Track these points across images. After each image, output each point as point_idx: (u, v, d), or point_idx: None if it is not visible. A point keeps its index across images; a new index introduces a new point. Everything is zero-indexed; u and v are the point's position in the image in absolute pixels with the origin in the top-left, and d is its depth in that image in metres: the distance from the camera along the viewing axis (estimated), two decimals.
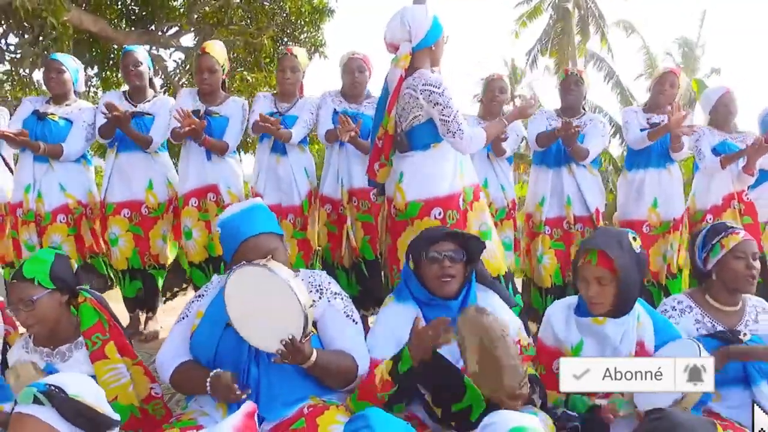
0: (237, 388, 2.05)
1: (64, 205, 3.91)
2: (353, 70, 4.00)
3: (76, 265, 2.51)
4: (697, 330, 2.51)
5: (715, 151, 4.05)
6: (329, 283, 2.40)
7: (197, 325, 2.27)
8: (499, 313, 2.39)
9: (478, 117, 4.28)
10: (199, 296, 2.41)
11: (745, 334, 2.45)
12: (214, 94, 3.96)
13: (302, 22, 10.77)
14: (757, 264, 2.52)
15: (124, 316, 4.24)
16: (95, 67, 10.19)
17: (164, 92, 9.01)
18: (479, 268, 2.53)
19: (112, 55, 9.97)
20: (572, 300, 2.47)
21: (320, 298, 2.32)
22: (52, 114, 3.90)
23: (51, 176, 3.89)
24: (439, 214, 2.91)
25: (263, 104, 4.04)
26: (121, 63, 4.13)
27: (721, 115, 4.16)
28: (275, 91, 4.22)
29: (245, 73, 10.28)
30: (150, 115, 3.99)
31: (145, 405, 2.40)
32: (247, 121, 3.99)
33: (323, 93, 4.13)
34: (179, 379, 2.23)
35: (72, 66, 4.03)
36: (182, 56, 10.28)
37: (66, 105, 3.99)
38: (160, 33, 9.84)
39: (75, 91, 4.08)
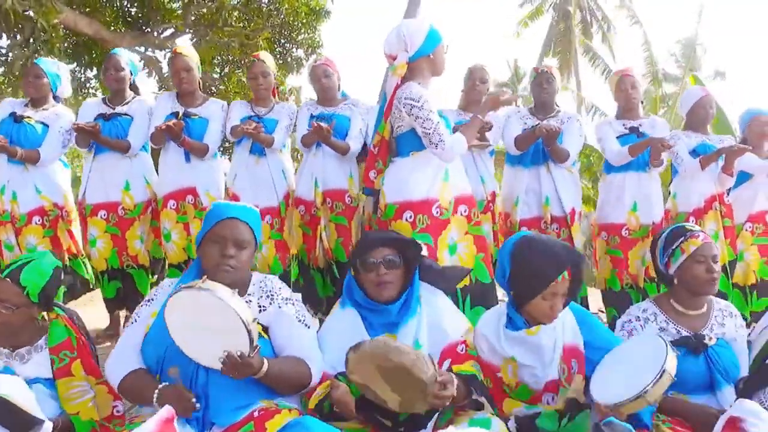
0: (191, 398, 2.03)
1: (39, 207, 3.92)
2: (319, 76, 4.06)
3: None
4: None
5: (695, 152, 4.02)
6: (280, 288, 2.37)
7: (148, 329, 2.24)
8: (446, 314, 2.44)
9: (459, 109, 4.27)
10: (149, 300, 2.38)
11: (710, 338, 2.45)
12: (192, 95, 3.98)
13: (299, 24, 10.78)
14: (718, 267, 2.51)
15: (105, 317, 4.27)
16: (94, 69, 10.22)
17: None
18: (426, 263, 2.54)
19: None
20: (500, 312, 2.45)
21: (270, 304, 2.30)
22: (28, 117, 3.92)
23: (26, 177, 3.90)
24: (410, 217, 2.96)
25: (240, 110, 4.08)
26: (104, 65, 4.15)
27: (699, 117, 4.13)
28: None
29: (240, 74, 10.28)
30: (128, 115, 3.99)
31: (106, 423, 2.35)
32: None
33: (303, 103, 4.18)
34: (127, 388, 2.19)
35: (52, 71, 4.04)
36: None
37: (43, 109, 3.99)
38: (155, 35, 9.84)
39: (55, 96, 4.10)
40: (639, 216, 3.95)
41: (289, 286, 3.85)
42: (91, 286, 4.22)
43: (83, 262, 4.14)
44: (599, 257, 4.12)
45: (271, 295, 2.33)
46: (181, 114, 3.88)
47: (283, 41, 11.16)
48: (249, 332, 1.95)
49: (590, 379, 2.19)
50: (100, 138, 3.82)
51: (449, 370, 2.27)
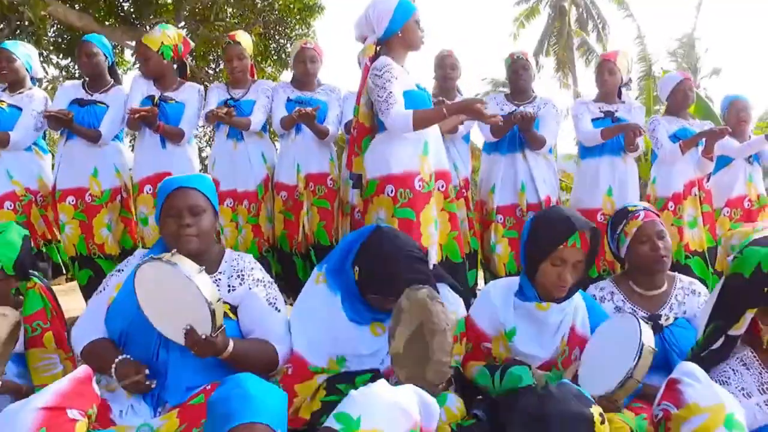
0: (143, 378, 2.01)
1: (11, 192, 3.87)
2: (305, 59, 4.07)
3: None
4: None
5: (676, 137, 4.03)
6: (252, 268, 2.32)
7: (113, 300, 2.23)
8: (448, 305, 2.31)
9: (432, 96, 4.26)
10: (119, 270, 2.35)
11: (667, 318, 2.42)
12: (166, 80, 3.95)
13: (292, 20, 10.80)
14: (663, 242, 2.48)
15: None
16: None
17: None
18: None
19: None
20: (512, 282, 2.40)
21: (241, 284, 2.26)
22: (2, 102, 3.90)
23: None
24: (391, 191, 2.93)
25: (217, 94, 4.08)
26: (77, 51, 4.12)
27: (679, 101, 4.14)
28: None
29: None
30: (103, 104, 3.96)
31: None
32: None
33: (275, 85, 4.20)
34: (89, 356, 2.18)
35: (23, 53, 4.03)
36: None
37: (19, 93, 3.98)
38: (147, 29, 9.85)
39: (32, 78, 4.08)
40: (614, 201, 3.94)
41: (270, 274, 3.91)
42: (67, 273, 4.18)
43: (57, 248, 4.11)
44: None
45: (242, 275, 2.28)
46: (157, 98, 3.86)
47: (277, 37, 11.18)
48: (212, 312, 1.90)
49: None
50: (72, 126, 3.80)
51: None
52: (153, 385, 2.03)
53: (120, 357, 2.07)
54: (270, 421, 1.51)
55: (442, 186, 3.10)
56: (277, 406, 1.57)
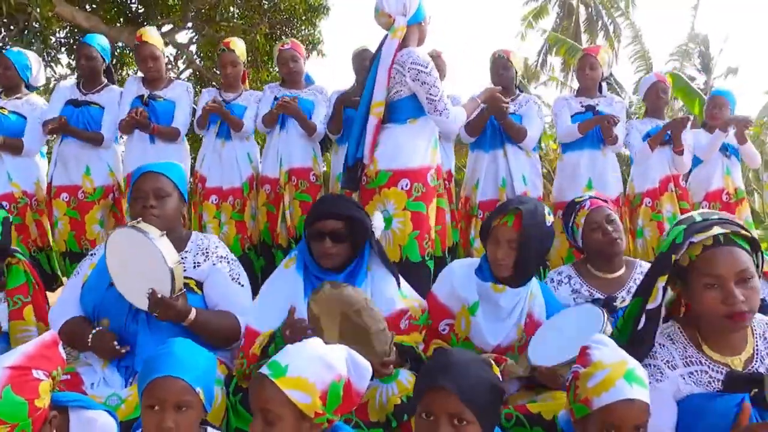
0: (115, 345, 2.17)
1: (8, 194, 4.01)
2: (287, 60, 4.18)
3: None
4: (575, 300, 2.58)
5: (650, 135, 4.11)
6: (216, 247, 2.47)
7: (87, 277, 2.38)
8: (392, 288, 2.45)
9: None
10: (92, 254, 2.51)
11: (623, 300, 2.50)
12: (158, 80, 4.10)
13: (298, 21, 10.90)
14: (613, 226, 2.57)
15: None
16: None
17: None
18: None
19: (116, 53, 10.18)
20: (475, 261, 2.50)
21: (205, 260, 2.41)
22: (2, 108, 4.04)
23: (0, 166, 4.01)
24: (406, 185, 2.97)
25: (207, 98, 4.19)
26: (76, 52, 4.28)
27: (653, 102, 4.24)
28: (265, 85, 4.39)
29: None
30: (97, 104, 4.10)
31: None
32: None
33: (266, 86, 4.31)
34: (66, 335, 2.31)
35: (20, 61, 4.15)
36: (173, 52, 10.49)
37: (16, 98, 4.12)
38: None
39: (28, 86, 4.23)
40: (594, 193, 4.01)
41: (254, 272, 4.00)
42: (56, 282, 4.24)
43: (48, 255, 4.21)
44: (555, 236, 4.17)
45: (207, 252, 2.43)
46: (146, 97, 4.00)
47: (283, 37, 11.29)
48: (171, 272, 2.06)
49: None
50: (76, 132, 3.96)
51: None
52: (124, 351, 2.19)
53: (94, 330, 2.22)
54: (188, 377, 1.62)
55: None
56: (200, 365, 1.68)
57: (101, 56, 4.19)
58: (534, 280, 2.44)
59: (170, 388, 1.60)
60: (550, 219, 2.37)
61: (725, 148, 4.31)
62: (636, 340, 1.81)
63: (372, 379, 1.72)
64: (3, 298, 2.60)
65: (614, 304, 2.49)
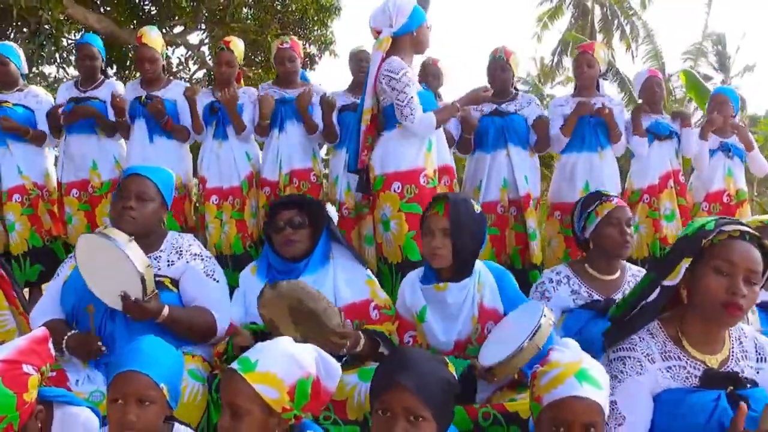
0: (96, 342, 2.24)
1: (20, 186, 4.12)
2: (284, 60, 4.18)
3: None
4: (574, 300, 2.57)
5: (648, 131, 4.09)
6: (190, 245, 2.54)
7: (66, 278, 2.44)
8: (350, 275, 2.55)
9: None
10: (71, 257, 2.55)
11: None
12: (155, 81, 4.16)
13: (310, 21, 10.96)
14: (631, 231, 2.57)
15: None
16: (114, 67, 10.55)
17: None
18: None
19: (130, 55, 10.29)
20: (420, 270, 2.54)
21: (179, 258, 2.47)
22: (6, 102, 4.13)
23: (9, 160, 4.12)
24: (398, 188, 3.12)
25: (201, 99, 4.20)
26: (77, 52, 4.36)
27: (647, 98, 4.19)
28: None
29: (246, 69, 10.50)
30: (97, 98, 4.17)
31: None
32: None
33: (260, 86, 4.34)
34: None
35: (14, 54, 4.25)
36: (184, 52, 10.59)
37: (18, 90, 4.21)
38: (164, 31, 10.12)
39: (22, 75, 4.32)
40: None
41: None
42: None
43: (63, 244, 4.30)
44: (551, 237, 4.15)
45: (180, 250, 2.49)
46: (143, 97, 4.06)
47: (295, 38, 11.33)
48: (141, 276, 2.11)
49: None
50: (87, 111, 4.07)
51: (360, 328, 2.39)
52: (103, 349, 2.25)
53: (69, 333, 2.28)
54: (152, 373, 1.66)
55: (447, 181, 3.26)
56: (165, 362, 1.73)
57: (101, 56, 4.30)
58: (481, 268, 2.43)
59: (133, 382, 1.65)
60: (478, 207, 2.41)
61: (728, 149, 4.25)
62: (634, 316, 1.81)
63: (343, 361, 1.82)
64: None
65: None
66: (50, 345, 1.73)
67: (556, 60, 22.01)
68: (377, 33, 3.20)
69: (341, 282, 2.55)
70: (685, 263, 1.74)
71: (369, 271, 2.68)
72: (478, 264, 2.41)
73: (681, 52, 19.52)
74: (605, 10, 20.32)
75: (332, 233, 2.65)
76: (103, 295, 2.24)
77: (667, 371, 1.73)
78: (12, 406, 1.55)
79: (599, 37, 20.34)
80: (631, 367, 1.73)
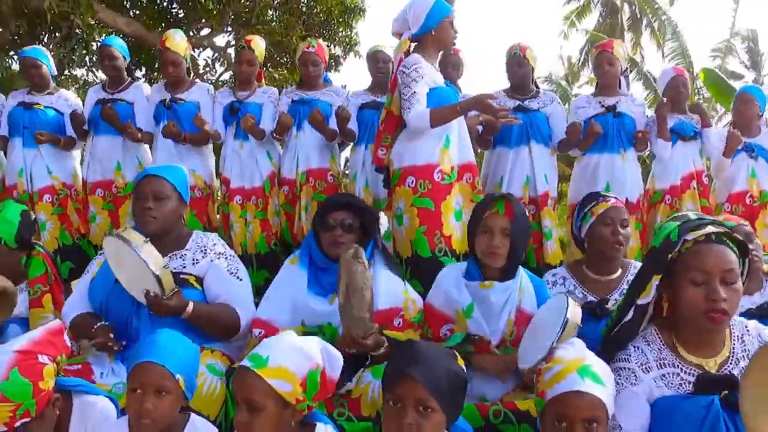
0: (112, 340, 2.31)
1: (50, 186, 4.26)
2: (308, 63, 4.25)
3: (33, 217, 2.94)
4: None
5: (672, 131, 4.05)
6: (214, 244, 2.61)
7: (95, 275, 2.53)
8: (388, 283, 2.54)
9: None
10: (100, 254, 2.64)
11: (616, 302, 2.48)
12: (179, 84, 4.25)
13: (335, 23, 11.04)
14: (625, 231, 2.56)
15: None
16: (143, 69, 10.75)
17: None
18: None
19: (158, 57, 10.42)
20: (461, 265, 2.55)
21: (204, 257, 2.54)
22: (37, 104, 4.26)
23: (39, 161, 4.25)
24: (412, 182, 3.14)
25: (221, 99, 4.30)
26: (99, 54, 4.49)
27: (672, 97, 4.14)
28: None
29: (272, 70, 10.63)
30: (124, 101, 4.29)
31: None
32: None
33: (284, 90, 4.41)
34: (74, 328, 2.46)
35: (45, 56, 4.37)
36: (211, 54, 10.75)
37: (48, 93, 4.34)
38: (191, 33, 10.28)
39: (52, 77, 4.44)
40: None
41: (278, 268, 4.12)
42: None
43: (90, 242, 4.43)
44: (570, 238, 4.13)
45: (205, 249, 2.56)
46: (167, 100, 4.16)
47: (321, 40, 11.41)
48: (156, 277, 2.18)
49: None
50: (114, 120, 4.16)
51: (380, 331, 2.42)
52: (116, 347, 2.32)
53: (98, 324, 2.36)
54: (168, 364, 1.74)
55: (470, 178, 3.26)
56: (182, 354, 1.80)
57: (122, 55, 4.38)
58: (523, 273, 2.46)
59: (151, 373, 1.72)
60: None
61: (751, 149, 4.18)
62: (621, 336, 1.84)
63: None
64: (24, 287, 2.78)
65: (606, 306, 2.48)
66: (66, 336, 1.81)
67: (582, 59, 21.79)
68: (399, 36, 3.28)
69: (380, 291, 2.50)
70: (655, 281, 1.76)
71: (408, 285, 2.65)
72: (521, 269, 2.45)
73: (711, 49, 19.10)
74: (633, 8, 20.05)
75: (378, 242, 2.63)
76: (130, 288, 2.33)
77: (662, 379, 1.75)
78: (28, 394, 1.65)
79: (628, 36, 20.10)
80: (626, 378, 1.76)
